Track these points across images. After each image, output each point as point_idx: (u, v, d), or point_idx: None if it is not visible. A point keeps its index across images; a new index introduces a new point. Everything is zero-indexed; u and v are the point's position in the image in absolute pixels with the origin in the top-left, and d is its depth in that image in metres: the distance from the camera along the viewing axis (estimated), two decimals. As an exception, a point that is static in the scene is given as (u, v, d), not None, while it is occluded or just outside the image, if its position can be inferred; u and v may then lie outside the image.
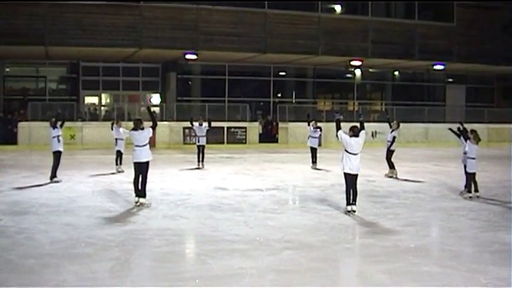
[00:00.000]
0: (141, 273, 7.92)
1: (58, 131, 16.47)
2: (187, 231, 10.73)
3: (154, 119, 13.28)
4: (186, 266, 8.45)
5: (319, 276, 7.72)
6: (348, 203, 12.16)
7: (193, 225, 11.02)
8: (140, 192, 12.68)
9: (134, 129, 12.91)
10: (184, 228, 10.86)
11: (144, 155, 12.68)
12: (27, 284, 7.23)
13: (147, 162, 12.73)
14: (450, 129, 15.86)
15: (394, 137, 18.45)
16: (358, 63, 33.66)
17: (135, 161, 12.72)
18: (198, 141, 20.84)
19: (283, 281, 7.49)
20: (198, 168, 20.20)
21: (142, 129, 12.87)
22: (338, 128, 12.24)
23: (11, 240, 9.48)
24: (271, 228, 10.67)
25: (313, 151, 20.76)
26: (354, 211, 12.02)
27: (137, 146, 12.70)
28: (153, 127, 12.97)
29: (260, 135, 33.27)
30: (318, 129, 21.16)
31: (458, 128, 15.21)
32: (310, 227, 10.84)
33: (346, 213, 12.05)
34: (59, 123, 16.57)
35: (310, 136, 21.10)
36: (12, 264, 8.09)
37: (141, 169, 12.68)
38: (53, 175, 16.35)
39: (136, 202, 12.65)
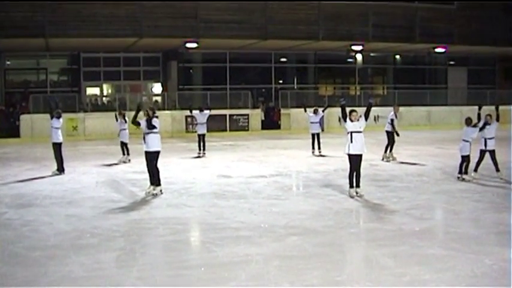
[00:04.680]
0: (146, 262, 7.94)
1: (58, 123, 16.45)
2: (191, 219, 10.76)
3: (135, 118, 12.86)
4: (192, 254, 8.48)
5: (324, 262, 7.73)
6: (351, 186, 12.23)
7: (197, 214, 11.04)
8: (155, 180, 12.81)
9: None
10: (188, 216, 10.89)
11: (157, 143, 12.70)
12: (34, 276, 7.26)
13: (158, 152, 12.77)
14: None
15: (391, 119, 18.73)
16: (359, 47, 33.51)
17: (146, 149, 12.71)
18: (198, 130, 20.87)
19: (288, 267, 7.50)
20: (199, 157, 20.22)
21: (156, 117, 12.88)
22: (343, 114, 12.19)
23: (17, 233, 9.52)
24: (276, 214, 10.69)
25: (316, 137, 20.61)
26: (362, 195, 12.10)
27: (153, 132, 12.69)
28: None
29: (262, 121, 33.23)
30: (320, 112, 20.99)
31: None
32: (315, 212, 10.85)
33: (350, 197, 12.13)
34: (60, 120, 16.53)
35: (311, 122, 20.96)
36: (18, 256, 8.12)
37: (152, 159, 12.71)
38: (62, 167, 16.38)
39: (149, 192, 12.74)
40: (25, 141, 27.54)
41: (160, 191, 12.81)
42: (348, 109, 12.23)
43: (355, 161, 12.12)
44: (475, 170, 14.52)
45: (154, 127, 12.56)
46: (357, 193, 12.16)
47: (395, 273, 7.21)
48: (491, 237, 8.98)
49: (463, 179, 14.23)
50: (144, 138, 12.68)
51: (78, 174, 16.35)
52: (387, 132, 18.63)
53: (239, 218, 10.36)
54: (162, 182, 12.96)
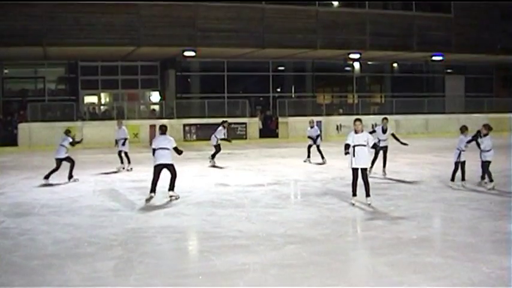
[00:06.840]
0: (144, 271, 7.92)
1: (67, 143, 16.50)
2: (189, 228, 10.75)
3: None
4: (189, 263, 8.47)
5: (322, 270, 7.73)
6: (354, 194, 12.23)
7: (195, 222, 11.03)
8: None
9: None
10: (186, 225, 10.88)
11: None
12: (31, 285, 7.25)
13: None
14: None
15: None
16: (356, 56, 33.63)
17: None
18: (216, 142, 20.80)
19: (286, 276, 7.50)
20: (215, 166, 20.02)
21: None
22: (346, 149, 12.26)
23: (14, 242, 9.50)
24: (273, 223, 10.67)
25: (317, 148, 20.56)
26: (369, 204, 12.07)
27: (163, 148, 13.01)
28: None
29: (260, 130, 33.24)
30: (317, 127, 21.00)
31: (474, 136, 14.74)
32: (312, 221, 10.85)
33: (351, 204, 12.20)
34: (70, 140, 16.57)
35: (308, 137, 20.93)
36: (16, 265, 8.11)
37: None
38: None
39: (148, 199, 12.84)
40: (23, 150, 27.51)
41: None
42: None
43: (356, 174, 12.12)
44: (489, 178, 14.38)
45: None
46: (368, 204, 12.13)
47: (393, 282, 7.20)
48: (489, 245, 8.98)
49: (463, 186, 14.32)
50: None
51: (76, 182, 16.33)
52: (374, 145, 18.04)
53: (237, 227, 10.35)
54: (159, 191, 12.99)
